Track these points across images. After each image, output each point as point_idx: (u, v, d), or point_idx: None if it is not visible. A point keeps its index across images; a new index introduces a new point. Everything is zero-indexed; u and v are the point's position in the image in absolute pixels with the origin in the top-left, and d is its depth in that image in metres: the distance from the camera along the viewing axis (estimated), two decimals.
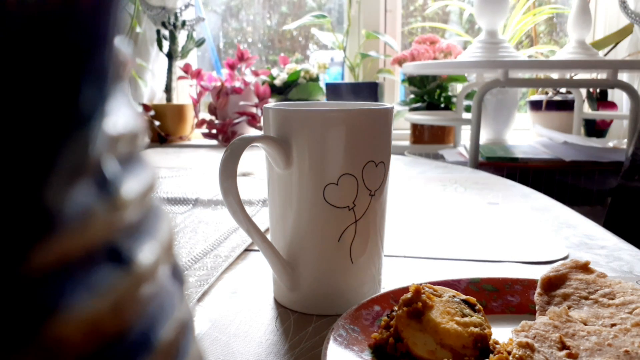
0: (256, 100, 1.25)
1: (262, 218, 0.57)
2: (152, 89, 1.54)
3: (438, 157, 1.33)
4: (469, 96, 1.47)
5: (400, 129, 1.71)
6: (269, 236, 0.35)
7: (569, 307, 0.29)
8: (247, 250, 0.47)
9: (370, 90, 1.36)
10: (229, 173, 0.32)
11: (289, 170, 0.33)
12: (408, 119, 1.41)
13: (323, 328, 0.32)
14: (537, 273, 0.33)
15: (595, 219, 0.61)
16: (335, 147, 0.32)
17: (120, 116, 0.10)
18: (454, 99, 1.54)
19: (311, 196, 0.33)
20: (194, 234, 0.51)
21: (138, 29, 1.48)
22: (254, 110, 1.25)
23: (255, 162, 0.90)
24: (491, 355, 0.25)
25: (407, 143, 1.60)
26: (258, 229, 0.34)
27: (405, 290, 0.31)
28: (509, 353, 0.24)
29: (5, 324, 0.07)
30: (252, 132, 1.24)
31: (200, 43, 1.48)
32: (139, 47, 1.50)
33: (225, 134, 1.22)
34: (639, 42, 1.47)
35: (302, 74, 1.48)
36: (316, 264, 0.34)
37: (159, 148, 1.22)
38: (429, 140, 1.53)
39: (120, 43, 0.10)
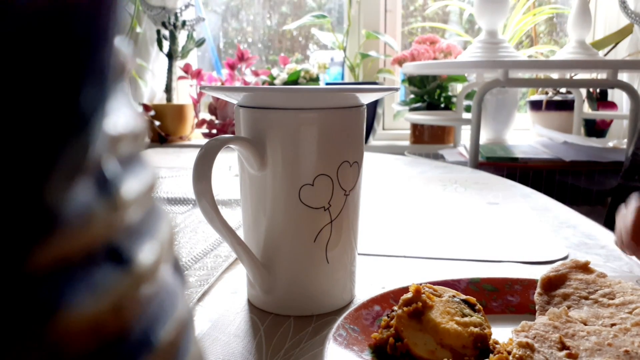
0: None
1: None
2: (152, 89, 1.54)
3: (438, 157, 1.33)
4: (469, 96, 1.47)
5: (400, 129, 1.71)
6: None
7: (569, 307, 0.29)
8: None
9: None
10: (202, 175, 0.31)
11: (263, 172, 0.32)
12: (408, 119, 1.41)
13: (323, 328, 0.32)
14: (537, 273, 0.33)
15: (595, 219, 0.61)
16: (310, 148, 0.32)
17: (121, 116, 0.10)
18: (454, 99, 1.54)
19: (287, 197, 0.32)
20: (194, 234, 0.51)
21: (138, 29, 1.48)
22: None
23: None
24: (491, 355, 0.25)
25: (407, 143, 1.60)
26: (232, 231, 0.33)
27: (405, 290, 0.31)
28: (509, 353, 0.24)
29: (6, 323, 0.07)
30: None
31: (200, 43, 1.48)
32: (139, 47, 1.50)
33: (226, 134, 1.22)
34: (639, 42, 1.47)
35: (302, 74, 1.48)
36: (292, 265, 0.33)
37: (159, 148, 1.22)
38: (429, 140, 1.53)
39: (120, 43, 0.10)
